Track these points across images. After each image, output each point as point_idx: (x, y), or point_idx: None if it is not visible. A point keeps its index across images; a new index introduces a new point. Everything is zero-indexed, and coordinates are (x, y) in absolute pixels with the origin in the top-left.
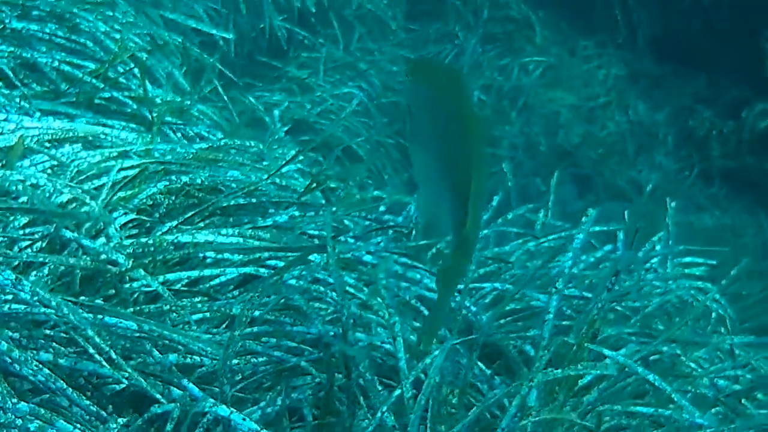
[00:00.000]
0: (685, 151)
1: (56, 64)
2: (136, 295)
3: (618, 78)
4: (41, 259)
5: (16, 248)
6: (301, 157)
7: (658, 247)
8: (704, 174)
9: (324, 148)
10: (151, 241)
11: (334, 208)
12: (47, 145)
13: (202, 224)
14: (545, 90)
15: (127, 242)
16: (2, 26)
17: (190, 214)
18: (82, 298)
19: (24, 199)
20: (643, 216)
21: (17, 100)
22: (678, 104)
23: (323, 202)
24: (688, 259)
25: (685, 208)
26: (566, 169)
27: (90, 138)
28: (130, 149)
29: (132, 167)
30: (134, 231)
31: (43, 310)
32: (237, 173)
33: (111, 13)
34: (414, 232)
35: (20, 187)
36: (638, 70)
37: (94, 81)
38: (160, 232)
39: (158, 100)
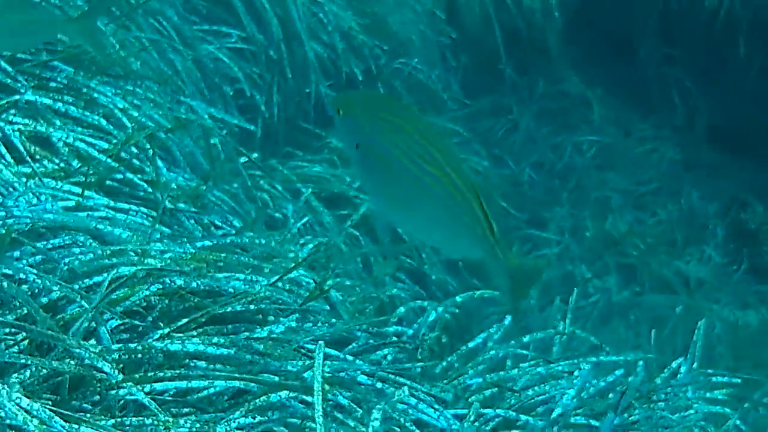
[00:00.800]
0: (735, 244)
1: (70, 140)
2: (122, 402)
3: (672, 163)
4: (23, 361)
5: None
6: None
7: (683, 368)
8: (753, 269)
9: (363, 225)
10: (140, 347)
11: (333, 320)
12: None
13: (194, 332)
14: (598, 171)
15: (115, 346)
16: (17, 97)
17: (182, 322)
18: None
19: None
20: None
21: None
22: (731, 195)
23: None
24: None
25: (731, 304)
26: (612, 257)
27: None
28: (126, 247)
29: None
30: (125, 335)
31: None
32: (239, 283)
33: (131, 88)
34: (421, 349)
35: (4, 284)
36: (693, 156)
37: (108, 160)
38: (151, 339)
39: (173, 185)
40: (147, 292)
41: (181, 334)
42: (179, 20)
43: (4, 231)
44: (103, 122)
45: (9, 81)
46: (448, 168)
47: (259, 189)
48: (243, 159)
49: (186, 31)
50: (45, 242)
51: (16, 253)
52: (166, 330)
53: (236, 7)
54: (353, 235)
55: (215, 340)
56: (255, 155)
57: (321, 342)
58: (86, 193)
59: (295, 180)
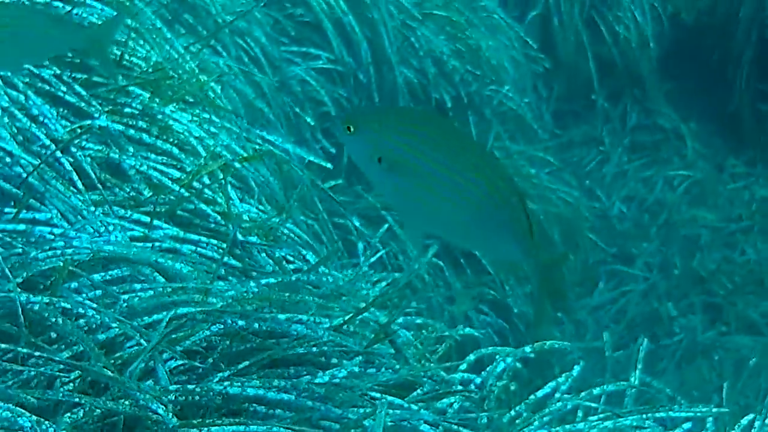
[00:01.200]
0: None
1: (143, 168)
2: None
3: (763, 201)
4: (76, 400)
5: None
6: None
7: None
8: None
9: (445, 256)
10: (198, 390)
11: (397, 366)
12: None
13: (255, 375)
14: (688, 207)
15: (173, 387)
16: (90, 122)
17: (243, 365)
18: None
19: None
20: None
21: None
22: None
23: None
24: None
25: None
26: (699, 296)
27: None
28: (188, 285)
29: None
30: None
31: None
32: (301, 327)
33: (208, 116)
34: (488, 400)
35: (59, 320)
36: None
37: (180, 190)
38: (211, 382)
39: (246, 216)
40: (208, 332)
41: (242, 378)
42: (267, 41)
43: (62, 262)
44: (176, 150)
45: (83, 105)
46: (483, 168)
47: (339, 216)
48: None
49: (273, 53)
50: (104, 274)
51: (75, 285)
52: (227, 373)
53: (326, 29)
54: (437, 266)
55: (276, 383)
56: (337, 182)
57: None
58: (155, 222)
59: (379, 207)
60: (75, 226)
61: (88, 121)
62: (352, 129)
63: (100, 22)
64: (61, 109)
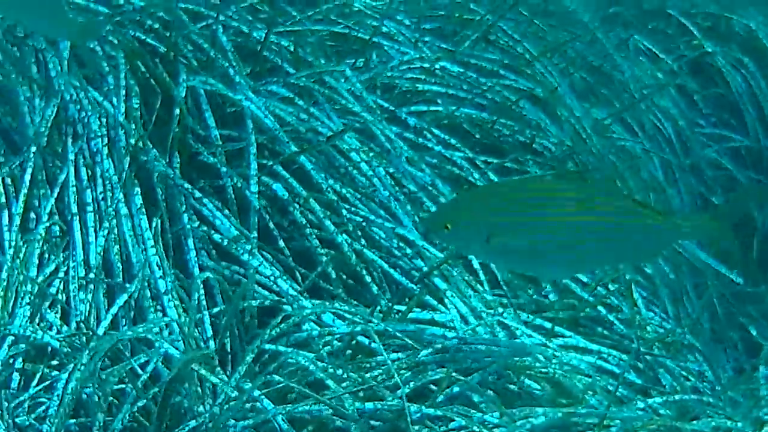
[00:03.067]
0: None
1: None
2: None
3: None
4: None
5: None
6: None
7: None
8: None
9: None
10: None
11: None
12: None
13: None
14: None
15: None
16: None
17: None
18: None
19: None
20: None
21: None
22: None
23: None
24: None
25: None
26: None
27: None
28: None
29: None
30: None
31: None
32: None
33: None
34: None
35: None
36: None
37: (587, 297)
38: None
39: (649, 328)
40: None
41: None
42: (684, 123)
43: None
44: None
45: None
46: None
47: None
48: None
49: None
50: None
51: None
52: None
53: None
54: None
55: None
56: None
57: None
58: (555, 329)
59: None
60: (469, 327)
61: None
62: (450, 226)
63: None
64: None
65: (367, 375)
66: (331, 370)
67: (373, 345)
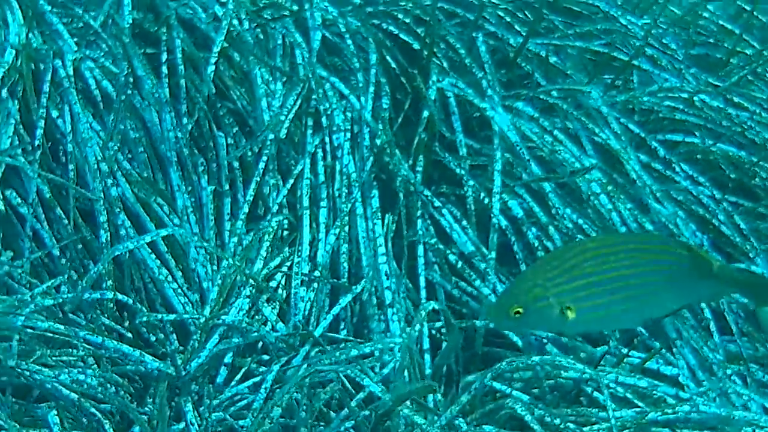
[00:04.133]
0: None
1: None
2: None
3: None
4: None
5: None
6: None
7: None
8: None
9: None
10: None
11: None
12: None
13: None
14: None
15: None
16: None
17: None
18: None
19: None
20: None
21: None
22: None
23: None
24: None
25: None
26: None
27: None
28: None
29: None
30: None
31: None
32: None
33: None
34: None
35: None
36: None
37: None
38: None
39: None
40: None
41: None
42: None
43: None
44: None
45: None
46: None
47: None
48: None
49: None
50: None
51: None
52: None
53: None
54: None
55: None
56: None
57: None
58: None
59: None
60: (701, 389)
61: None
62: (522, 311)
63: None
64: None
65: (586, 429)
66: (548, 420)
67: (595, 394)
